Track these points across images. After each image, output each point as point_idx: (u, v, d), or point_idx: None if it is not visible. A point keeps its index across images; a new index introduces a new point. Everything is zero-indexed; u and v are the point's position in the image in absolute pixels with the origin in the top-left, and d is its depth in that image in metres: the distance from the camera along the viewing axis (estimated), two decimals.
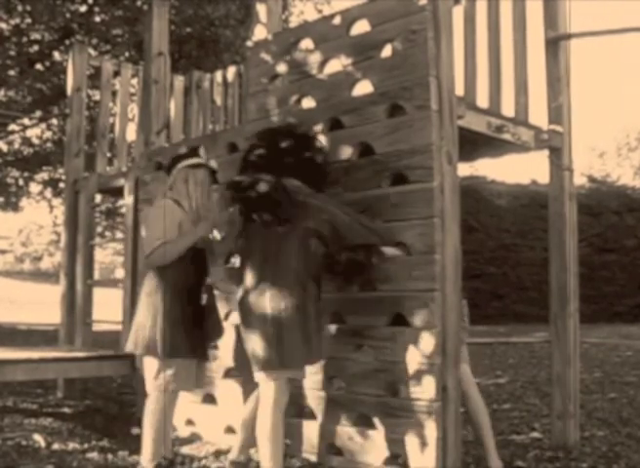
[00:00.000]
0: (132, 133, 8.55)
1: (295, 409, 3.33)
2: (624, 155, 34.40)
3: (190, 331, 3.08)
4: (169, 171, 3.36)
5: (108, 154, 6.79)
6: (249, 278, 3.04)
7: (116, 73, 6.09)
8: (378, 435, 3.08)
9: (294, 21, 12.39)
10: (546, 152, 3.81)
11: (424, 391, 2.91)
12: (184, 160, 3.33)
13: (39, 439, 3.90)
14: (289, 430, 3.15)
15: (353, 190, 3.26)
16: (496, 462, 3.25)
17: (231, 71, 6.05)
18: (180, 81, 6.34)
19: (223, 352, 3.76)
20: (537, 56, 3.83)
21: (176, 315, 3.05)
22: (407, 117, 3.08)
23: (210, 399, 3.97)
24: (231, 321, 3.65)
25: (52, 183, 12.87)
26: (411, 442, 2.95)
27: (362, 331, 3.16)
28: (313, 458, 3.30)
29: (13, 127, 11.83)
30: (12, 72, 10.27)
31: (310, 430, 3.29)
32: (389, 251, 3.08)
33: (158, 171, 4.61)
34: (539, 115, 3.74)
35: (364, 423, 3.18)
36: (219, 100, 6.11)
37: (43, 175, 13.08)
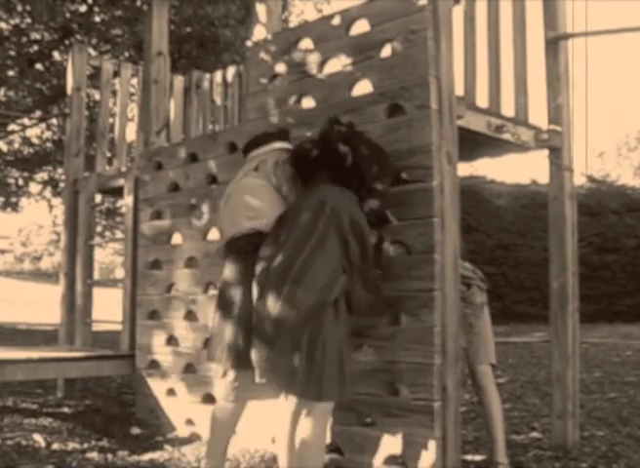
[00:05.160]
0: (132, 133, 8.56)
1: None
2: (624, 155, 34.41)
3: None
4: (251, 150, 3.10)
5: (108, 154, 6.80)
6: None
7: (116, 73, 6.10)
8: (378, 435, 3.08)
9: (294, 21, 12.41)
10: (546, 152, 3.81)
11: (424, 391, 2.92)
12: (276, 141, 3.09)
13: (39, 439, 3.90)
14: None
15: None
16: (502, 457, 3.25)
17: (231, 71, 6.05)
18: (179, 81, 6.34)
19: None
20: (537, 56, 3.84)
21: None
22: (407, 117, 3.08)
23: (210, 399, 3.97)
24: None
25: (52, 183, 12.89)
26: (411, 442, 2.95)
27: (362, 330, 3.16)
28: None
29: (13, 127, 11.84)
30: (12, 72, 10.27)
31: None
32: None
33: (158, 170, 4.62)
34: (538, 115, 3.74)
35: (364, 423, 3.18)
36: (218, 100, 6.11)
37: (43, 175, 13.09)
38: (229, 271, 2.99)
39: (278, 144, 3.09)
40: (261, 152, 3.08)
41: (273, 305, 2.68)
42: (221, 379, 3.00)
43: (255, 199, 2.96)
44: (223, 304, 2.96)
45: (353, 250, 2.72)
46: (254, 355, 2.74)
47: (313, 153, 2.98)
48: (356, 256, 2.72)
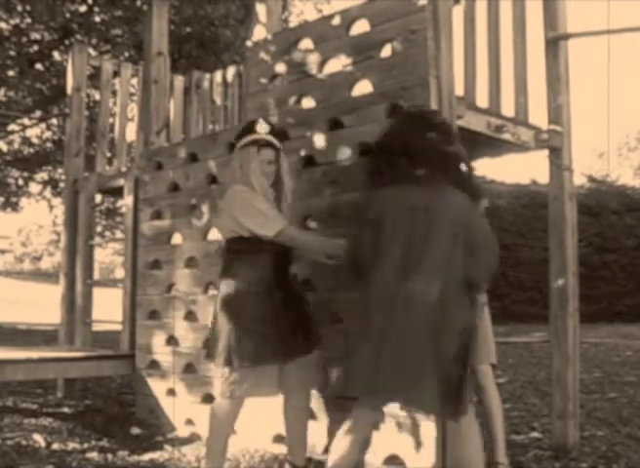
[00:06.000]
0: (132, 133, 8.56)
1: None
2: (624, 155, 34.43)
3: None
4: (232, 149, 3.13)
5: (108, 154, 6.80)
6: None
7: (116, 73, 6.10)
8: (377, 435, 3.08)
9: (294, 21, 12.40)
10: (546, 152, 3.81)
11: None
12: (240, 139, 3.06)
13: (39, 439, 3.90)
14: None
15: (353, 190, 3.25)
16: (502, 457, 3.24)
17: (231, 71, 6.05)
18: (179, 81, 6.34)
19: None
20: (536, 56, 3.84)
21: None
22: None
23: (210, 399, 3.97)
24: None
25: (52, 183, 12.90)
26: (410, 441, 2.95)
27: None
28: (313, 458, 3.30)
29: (13, 127, 11.84)
30: (12, 72, 10.27)
31: (310, 430, 3.29)
32: None
33: (158, 170, 4.62)
34: (538, 115, 3.74)
35: None
36: (218, 100, 6.12)
37: (43, 175, 13.11)
38: (228, 271, 3.02)
39: (242, 141, 3.05)
40: (232, 156, 3.13)
41: (421, 330, 2.50)
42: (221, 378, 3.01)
43: (242, 205, 2.96)
44: (222, 304, 2.98)
45: (485, 260, 2.63)
46: (381, 377, 2.51)
47: (450, 149, 2.73)
48: (487, 263, 2.64)
